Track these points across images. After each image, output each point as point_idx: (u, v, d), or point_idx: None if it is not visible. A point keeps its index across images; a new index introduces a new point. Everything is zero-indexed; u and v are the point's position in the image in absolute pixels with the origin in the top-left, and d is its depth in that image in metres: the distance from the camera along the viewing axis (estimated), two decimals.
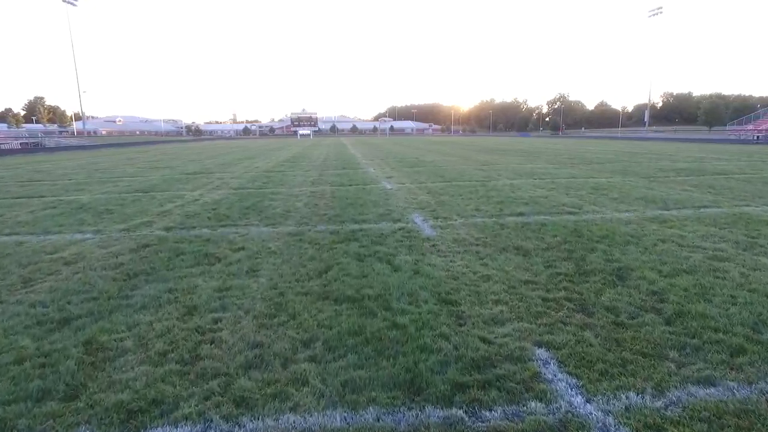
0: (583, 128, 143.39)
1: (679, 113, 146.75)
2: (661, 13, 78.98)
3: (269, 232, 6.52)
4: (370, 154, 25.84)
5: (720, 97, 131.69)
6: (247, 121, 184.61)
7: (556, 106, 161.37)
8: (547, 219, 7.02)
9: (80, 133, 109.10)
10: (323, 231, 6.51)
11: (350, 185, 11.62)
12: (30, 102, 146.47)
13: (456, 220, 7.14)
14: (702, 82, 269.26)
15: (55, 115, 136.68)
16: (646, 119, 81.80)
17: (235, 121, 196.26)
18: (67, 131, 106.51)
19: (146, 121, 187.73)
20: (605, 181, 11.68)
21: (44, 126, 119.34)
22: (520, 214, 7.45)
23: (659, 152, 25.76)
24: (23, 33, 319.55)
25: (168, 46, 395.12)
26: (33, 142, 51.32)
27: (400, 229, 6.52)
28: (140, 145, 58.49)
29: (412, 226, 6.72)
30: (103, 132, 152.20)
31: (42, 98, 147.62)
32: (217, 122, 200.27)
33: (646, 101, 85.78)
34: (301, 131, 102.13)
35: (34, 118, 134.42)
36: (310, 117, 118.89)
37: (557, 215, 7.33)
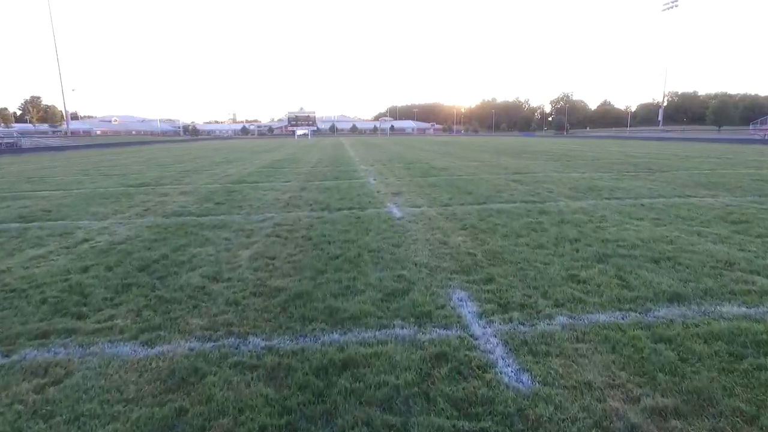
0: (587, 128, 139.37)
1: (685, 113, 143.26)
2: (676, 6, 75.23)
3: (119, 368, 2.73)
4: (371, 158, 22.04)
5: (727, 96, 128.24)
6: (247, 121, 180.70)
7: (559, 106, 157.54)
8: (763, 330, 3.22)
9: (75, 133, 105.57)
10: (256, 363, 2.72)
11: (340, 209, 7.85)
12: (26, 101, 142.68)
13: (553, 315, 3.35)
14: (705, 81, 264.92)
15: (47, 114, 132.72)
16: (660, 118, 77.95)
17: (234, 121, 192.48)
18: (60, 131, 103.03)
19: (143, 120, 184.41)
20: (720, 204, 7.87)
21: (34, 126, 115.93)
22: (677, 298, 3.65)
23: (705, 155, 21.90)
24: (24, 32, 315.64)
25: (169, 47, 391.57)
26: (8, 143, 47.60)
27: (439, 358, 2.75)
28: (130, 145, 54.61)
29: (464, 339, 2.94)
30: (98, 132, 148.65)
31: (38, 98, 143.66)
32: (216, 122, 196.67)
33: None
34: (299, 131, 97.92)
35: (27, 117, 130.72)
36: (308, 116, 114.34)
37: (764, 308, 3.53)
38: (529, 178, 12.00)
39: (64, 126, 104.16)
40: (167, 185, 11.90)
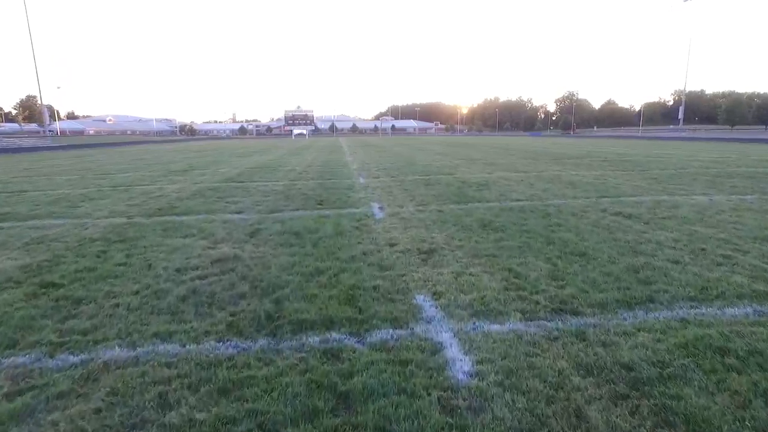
0: (594, 127, 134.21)
1: (693, 112, 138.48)
2: None
3: None
4: (373, 164, 17.25)
5: (737, 95, 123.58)
6: (246, 121, 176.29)
7: (564, 105, 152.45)
8: None
9: (64, 133, 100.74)
10: None
11: (303, 325, 3.13)
12: (22, 101, 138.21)
13: None
14: (710, 80, 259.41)
15: (39, 114, 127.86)
16: (680, 116, 73.08)
17: (234, 121, 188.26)
18: (49, 131, 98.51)
19: (140, 120, 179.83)
20: None
21: (21, 126, 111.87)
22: None
23: None
24: (22, 32, 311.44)
25: (172, 47, 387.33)
26: None
27: None
28: (112, 146, 49.65)
29: None
30: (91, 131, 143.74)
31: (34, 97, 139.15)
32: (216, 122, 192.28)
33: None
34: (296, 130, 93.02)
35: (19, 117, 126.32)
36: (306, 115, 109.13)
37: None
38: (639, 208, 7.23)
39: (54, 126, 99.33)
40: (33, 219, 7.16)
